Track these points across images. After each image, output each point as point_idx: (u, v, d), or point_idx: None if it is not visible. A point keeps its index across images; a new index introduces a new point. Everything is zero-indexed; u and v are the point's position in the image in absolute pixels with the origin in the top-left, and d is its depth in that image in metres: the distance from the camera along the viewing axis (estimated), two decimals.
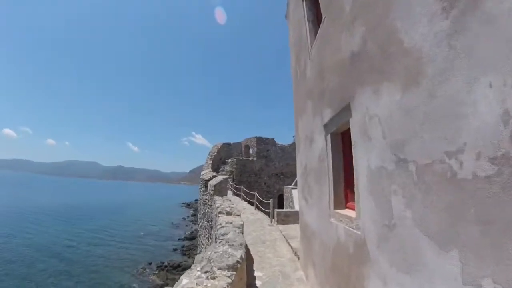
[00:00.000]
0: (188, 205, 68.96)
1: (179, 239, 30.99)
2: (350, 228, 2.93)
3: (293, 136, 38.77)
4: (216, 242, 5.07)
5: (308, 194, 5.07)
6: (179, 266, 20.03)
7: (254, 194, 14.43)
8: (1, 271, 17.75)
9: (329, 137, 3.72)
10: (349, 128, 2.96)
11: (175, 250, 26.50)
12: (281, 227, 10.13)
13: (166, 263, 20.91)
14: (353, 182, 2.87)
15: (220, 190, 12.16)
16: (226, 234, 5.37)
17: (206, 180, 14.79)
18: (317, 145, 4.27)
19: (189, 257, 22.66)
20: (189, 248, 26.23)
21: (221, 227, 5.92)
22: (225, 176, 12.88)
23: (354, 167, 2.82)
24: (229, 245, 4.45)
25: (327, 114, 3.68)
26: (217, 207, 8.49)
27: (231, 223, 6.23)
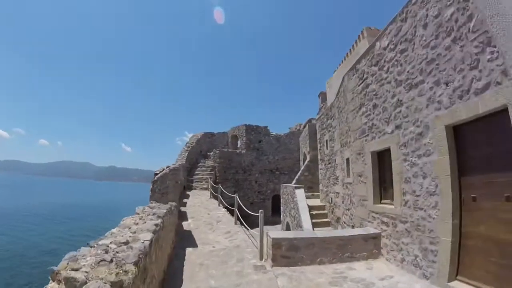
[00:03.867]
0: None
1: None
2: None
3: (289, 128, 32.81)
4: None
5: None
6: None
7: (234, 198, 8.66)
8: None
9: None
10: None
11: None
12: (281, 276, 4.36)
13: None
14: None
15: (164, 190, 6.36)
16: None
17: (155, 174, 8.93)
18: None
19: None
20: None
21: None
22: (176, 166, 7.04)
23: None
24: None
25: None
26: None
27: None
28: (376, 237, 5.21)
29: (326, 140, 10.23)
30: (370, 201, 5.72)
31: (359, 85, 6.40)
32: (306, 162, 14.15)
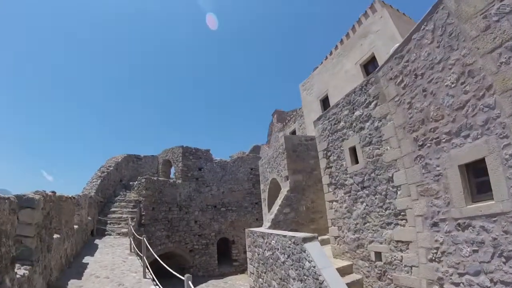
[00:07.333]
0: None
1: None
2: None
3: (230, 157, 27.75)
4: None
5: None
6: None
7: (185, 281, 3.29)
8: None
9: None
10: None
11: None
12: None
13: None
14: None
15: None
16: None
17: None
18: None
19: None
20: None
21: None
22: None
23: None
24: None
25: None
26: None
27: None
28: None
29: (352, 148, 5.69)
30: None
31: None
32: (284, 193, 9.33)
